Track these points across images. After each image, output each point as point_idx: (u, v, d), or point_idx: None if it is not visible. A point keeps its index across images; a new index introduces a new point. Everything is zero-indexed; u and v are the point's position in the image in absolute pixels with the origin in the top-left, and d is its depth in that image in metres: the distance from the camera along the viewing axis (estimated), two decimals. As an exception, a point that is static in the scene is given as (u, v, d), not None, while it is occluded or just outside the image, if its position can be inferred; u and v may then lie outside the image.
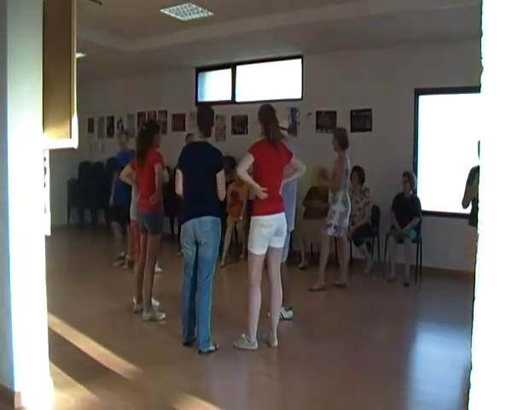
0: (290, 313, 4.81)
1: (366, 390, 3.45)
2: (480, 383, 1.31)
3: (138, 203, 4.85)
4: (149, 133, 4.84)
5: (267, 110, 4.08)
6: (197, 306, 3.98)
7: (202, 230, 3.91)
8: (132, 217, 5.33)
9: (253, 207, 4.11)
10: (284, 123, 4.78)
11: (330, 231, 5.87)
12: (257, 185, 3.92)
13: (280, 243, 4.07)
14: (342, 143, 5.78)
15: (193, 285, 4.04)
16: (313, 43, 7.14)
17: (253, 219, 3.98)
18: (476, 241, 1.31)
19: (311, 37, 6.80)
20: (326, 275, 5.93)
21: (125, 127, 9.96)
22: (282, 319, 4.61)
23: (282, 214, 4.02)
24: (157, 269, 6.74)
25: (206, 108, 4.23)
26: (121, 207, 6.28)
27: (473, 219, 4.19)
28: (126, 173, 5.06)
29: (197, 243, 3.97)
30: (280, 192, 4.04)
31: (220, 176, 3.97)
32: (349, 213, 5.94)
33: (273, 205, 3.95)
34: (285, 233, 4.10)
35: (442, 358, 4.03)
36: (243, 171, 3.89)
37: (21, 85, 2.97)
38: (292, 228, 4.77)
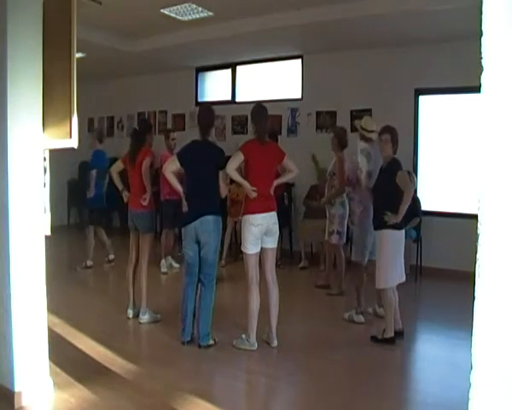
0: (361, 317, 4.80)
1: (366, 390, 3.45)
2: (480, 383, 1.31)
3: (129, 202, 4.73)
4: (142, 133, 4.79)
5: (257, 109, 4.09)
6: (200, 302, 4.02)
7: (204, 229, 3.91)
8: None
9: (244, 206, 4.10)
10: (372, 125, 4.69)
11: (335, 239, 5.61)
12: (247, 184, 3.93)
13: (272, 243, 4.05)
14: (341, 143, 5.58)
15: (196, 285, 4.06)
16: (313, 43, 7.14)
17: (243, 218, 3.99)
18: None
19: (311, 37, 6.80)
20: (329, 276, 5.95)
21: (125, 127, 9.97)
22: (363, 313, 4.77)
23: (273, 213, 4.00)
24: (175, 265, 6.77)
25: (206, 110, 4.19)
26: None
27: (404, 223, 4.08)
28: (117, 169, 4.91)
29: (198, 243, 3.97)
30: (272, 192, 4.02)
31: (222, 173, 3.98)
32: (347, 215, 5.58)
33: (263, 204, 3.94)
34: (277, 233, 4.07)
35: (442, 358, 4.04)
36: (232, 168, 3.89)
37: (21, 85, 2.96)
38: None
